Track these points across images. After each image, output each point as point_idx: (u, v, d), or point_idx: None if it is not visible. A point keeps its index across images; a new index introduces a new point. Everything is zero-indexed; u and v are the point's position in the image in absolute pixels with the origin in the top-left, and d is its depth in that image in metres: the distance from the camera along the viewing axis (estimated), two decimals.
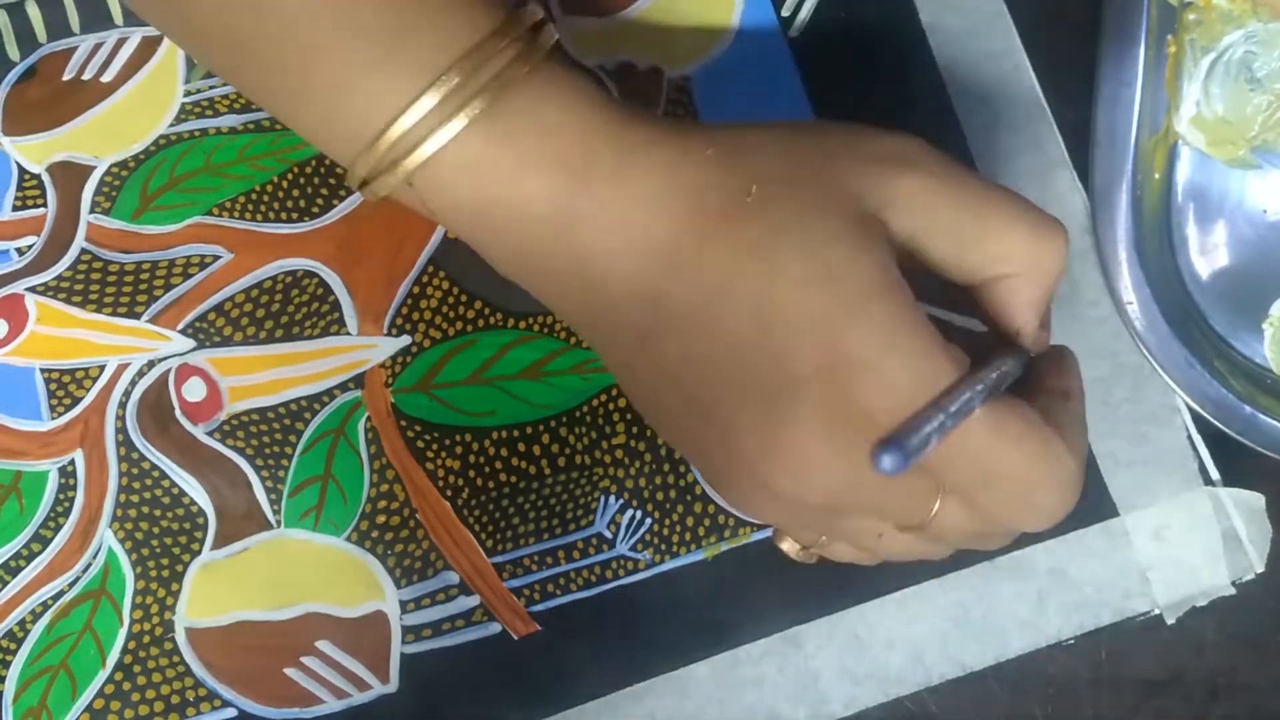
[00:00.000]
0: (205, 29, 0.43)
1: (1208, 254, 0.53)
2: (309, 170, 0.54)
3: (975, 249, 0.40)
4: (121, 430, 0.53)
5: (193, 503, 0.52)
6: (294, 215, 0.54)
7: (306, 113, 0.43)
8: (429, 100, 0.40)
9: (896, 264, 0.38)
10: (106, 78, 0.55)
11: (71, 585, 0.52)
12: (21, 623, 0.52)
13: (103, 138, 0.55)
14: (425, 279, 0.53)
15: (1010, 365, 0.40)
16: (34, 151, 0.54)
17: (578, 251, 0.41)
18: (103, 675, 0.52)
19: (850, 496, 0.38)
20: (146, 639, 0.52)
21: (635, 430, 0.53)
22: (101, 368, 0.53)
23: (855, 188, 0.39)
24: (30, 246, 0.54)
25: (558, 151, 0.41)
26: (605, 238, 0.40)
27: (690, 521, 0.52)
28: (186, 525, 0.52)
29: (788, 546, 0.45)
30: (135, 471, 0.53)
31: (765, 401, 0.38)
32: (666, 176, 0.40)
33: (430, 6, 0.41)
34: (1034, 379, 0.42)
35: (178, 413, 0.53)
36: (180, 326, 0.53)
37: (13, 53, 0.55)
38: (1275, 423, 0.51)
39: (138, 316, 0.53)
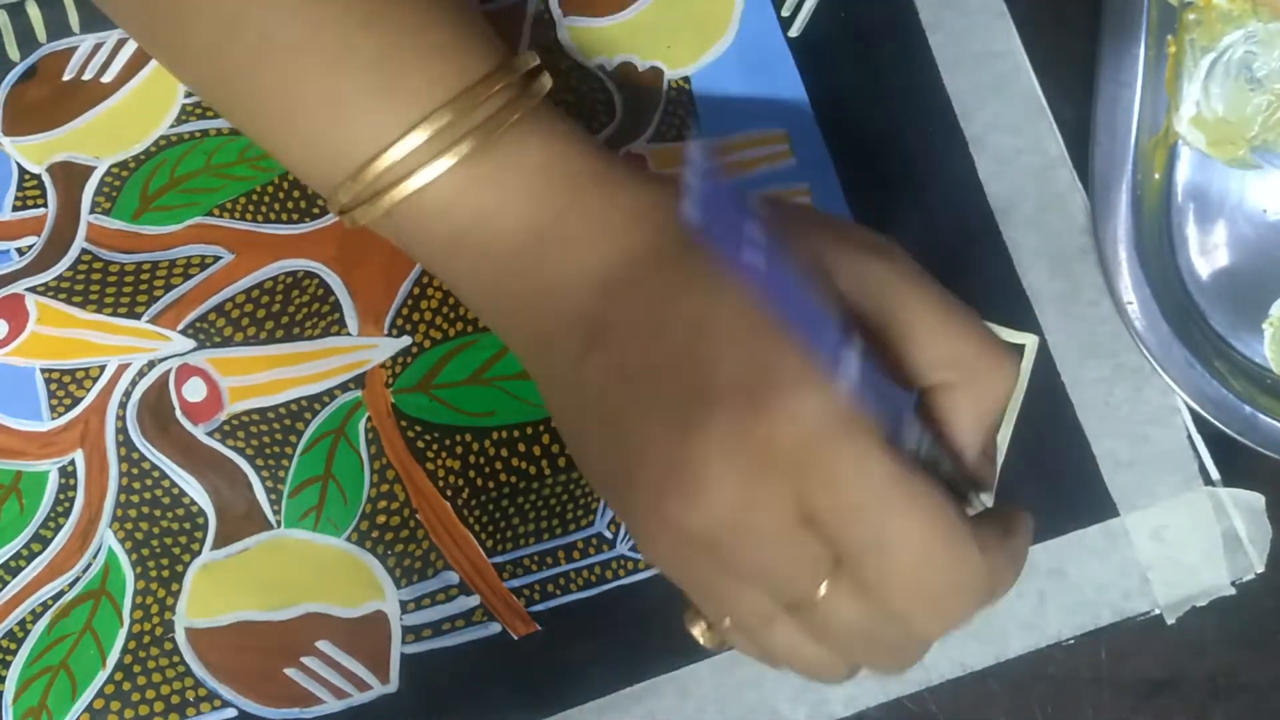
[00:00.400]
0: (190, 51, 0.43)
1: (1208, 254, 0.53)
2: None
3: (923, 348, 0.39)
4: (122, 430, 0.53)
5: (193, 503, 0.52)
6: (294, 216, 0.54)
7: (290, 141, 0.43)
8: (419, 136, 0.40)
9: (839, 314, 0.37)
10: (107, 78, 0.55)
11: (71, 585, 0.52)
12: (21, 623, 0.52)
13: (103, 138, 0.55)
14: (425, 279, 0.53)
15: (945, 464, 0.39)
16: (34, 152, 0.54)
17: (541, 285, 0.41)
18: (103, 675, 0.52)
19: (738, 537, 0.36)
20: (146, 639, 0.52)
21: None
22: (102, 368, 0.53)
23: (823, 254, 0.39)
24: (31, 247, 0.54)
25: (539, 193, 0.41)
26: (567, 274, 0.40)
27: None
28: (186, 525, 0.52)
29: (697, 631, 0.43)
30: (135, 472, 0.53)
31: (679, 413, 0.36)
32: (637, 216, 0.40)
33: (427, 42, 0.41)
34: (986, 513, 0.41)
35: (178, 413, 0.53)
36: (181, 327, 0.53)
37: (13, 53, 0.55)
38: (1275, 423, 0.51)
39: (138, 317, 0.53)
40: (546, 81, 0.43)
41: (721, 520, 0.36)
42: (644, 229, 0.40)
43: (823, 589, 0.37)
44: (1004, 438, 0.52)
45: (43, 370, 0.53)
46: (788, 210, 0.43)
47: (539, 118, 0.42)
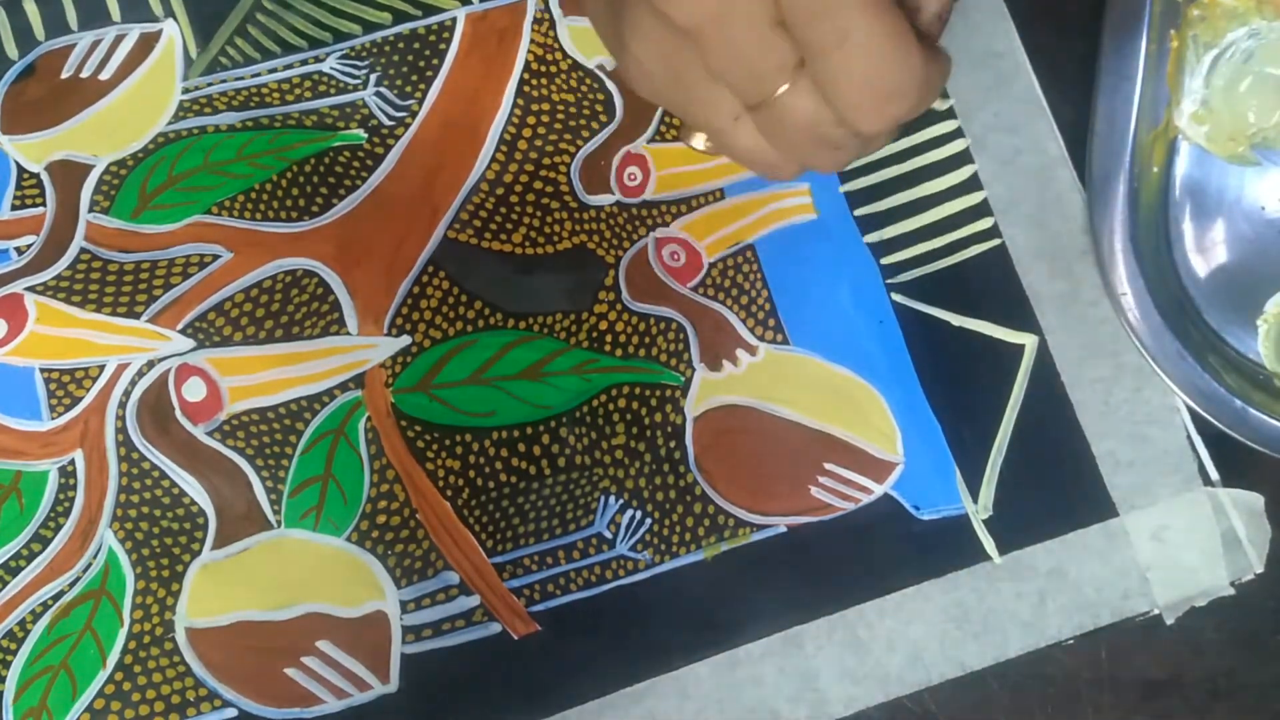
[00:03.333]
0: None
1: (1204, 249, 0.53)
2: (308, 169, 0.54)
3: None
4: (121, 430, 0.53)
5: (193, 503, 0.52)
6: (294, 214, 0.54)
7: None
8: None
9: None
10: (105, 75, 0.55)
11: (72, 585, 0.52)
12: (22, 623, 0.52)
13: (101, 136, 0.55)
14: (425, 279, 0.53)
15: None
16: (32, 150, 0.54)
17: None
18: (103, 675, 0.52)
19: (720, 28, 0.39)
20: (147, 639, 0.52)
21: (635, 430, 0.53)
22: (101, 368, 0.53)
23: None
24: (29, 246, 0.54)
25: None
26: None
27: (690, 522, 0.52)
28: (187, 525, 0.52)
29: (697, 141, 0.46)
30: (135, 472, 0.52)
31: None
32: None
33: None
34: None
35: (178, 413, 0.53)
36: (180, 326, 0.53)
37: (11, 51, 0.55)
38: (1265, 418, 0.51)
39: (137, 316, 0.53)
40: None
41: (705, 11, 0.39)
42: None
43: (784, 87, 0.40)
44: (1004, 437, 0.52)
45: (42, 370, 0.53)
46: None
47: None
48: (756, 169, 0.44)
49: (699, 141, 0.46)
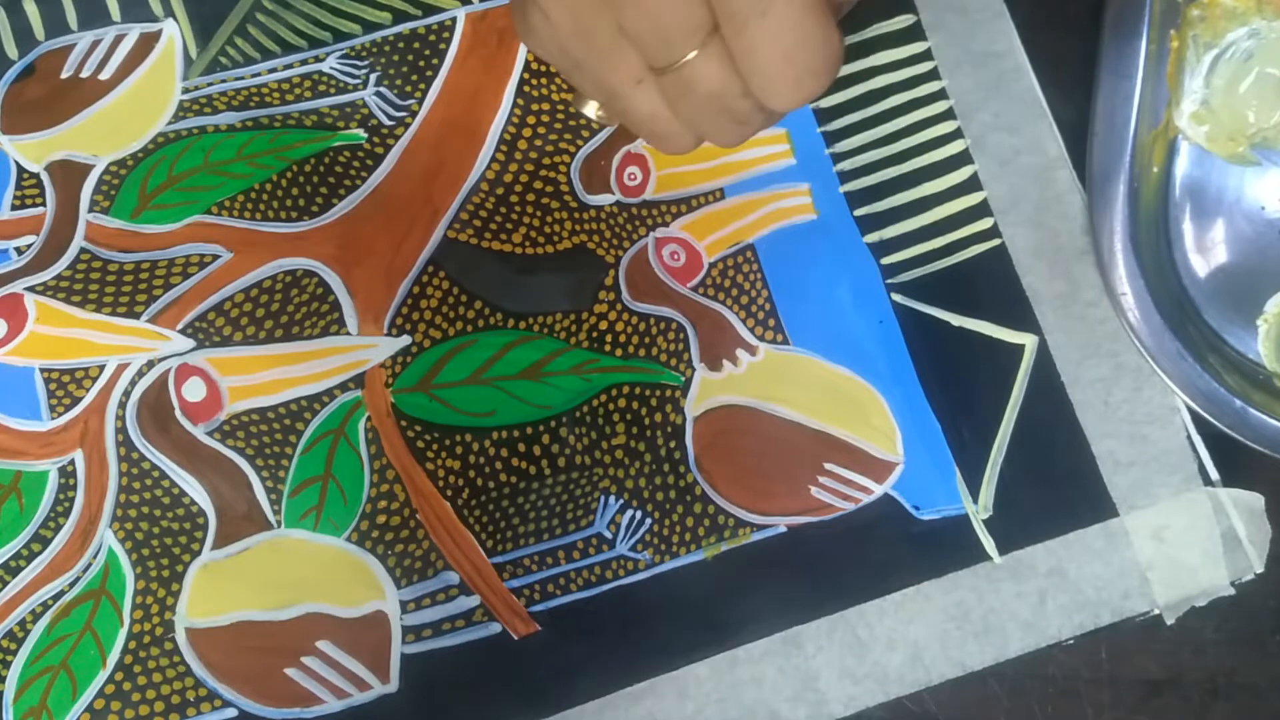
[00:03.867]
0: None
1: (1204, 249, 0.53)
2: (308, 168, 0.54)
3: None
4: (121, 430, 0.53)
5: (193, 503, 0.52)
6: (293, 214, 0.54)
7: None
8: None
9: None
10: (105, 75, 0.55)
11: (72, 585, 0.52)
12: (22, 623, 0.52)
13: (101, 136, 0.55)
14: (425, 279, 0.53)
15: None
16: (32, 150, 0.54)
17: None
18: (103, 675, 0.52)
19: None
20: (147, 639, 0.52)
21: (635, 431, 0.53)
22: (101, 367, 0.53)
23: None
24: (29, 246, 0.54)
25: None
26: None
27: (690, 522, 0.52)
28: (187, 525, 0.52)
29: (590, 109, 0.45)
30: (135, 472, 0.52)
31: None
32: None
33: None
34: None
35: (178, 413, 0.53)
36: (180, 326, 0.53)
37: (11, 51, 0.55)
38: (1265, 417, 0.51)
39: (137, 316, 0.53)
40: None
41: None
42: None
43: (694, 53, 0.39)
44: (1003, 437, 0.52)
45: (42, 370, 0.53)
46: None
47: None
48: (651, 139, 0.43)
49: (591, 110, 0.45)
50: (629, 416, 0.53)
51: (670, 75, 0.40)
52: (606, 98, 0.43)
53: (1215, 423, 0.51)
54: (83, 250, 0.54)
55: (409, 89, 0.55)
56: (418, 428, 0.53)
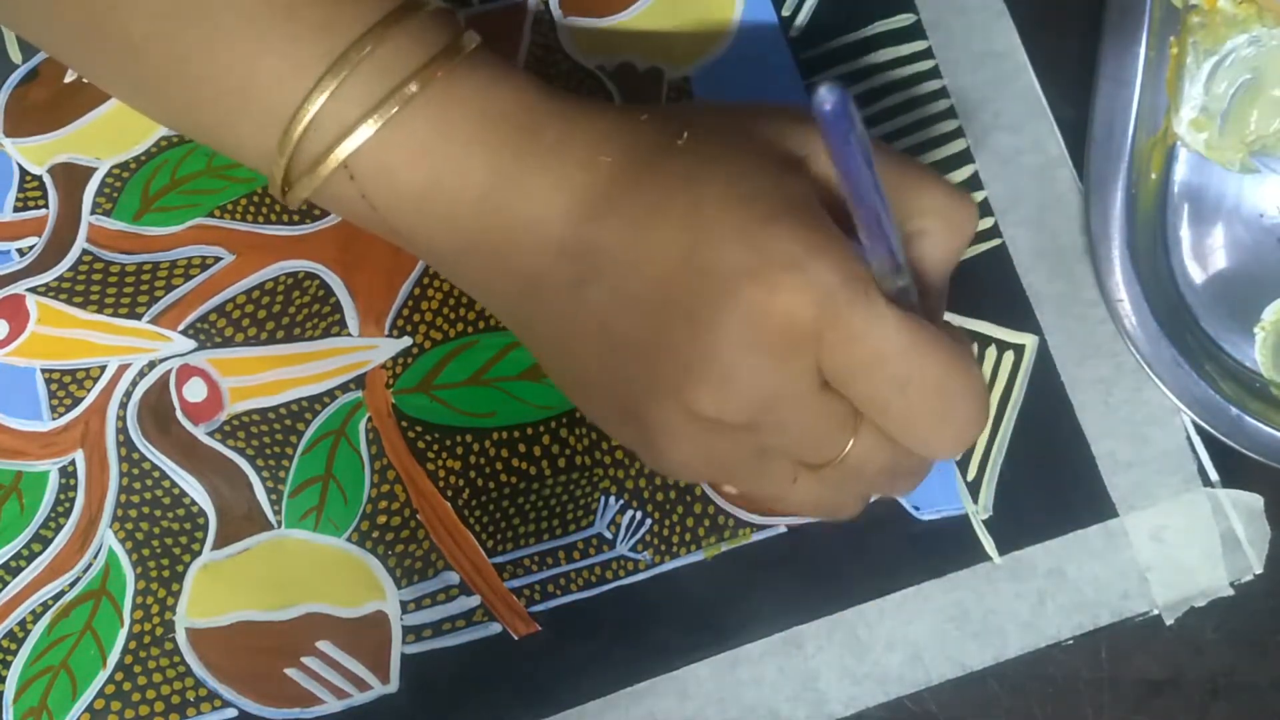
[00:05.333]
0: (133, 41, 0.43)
1: (1202, 256, 0.53)
2: None
3: (899, 202, 0.40)
4: (122, 430, 0.53)
5: (193, 503, 0.52)
6: (295, 217, 0.54)
7: (214, 105, 0.43)
8: (333, 80, 0.40)
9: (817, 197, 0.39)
10: None
11: (72, 585, 0.52)
12: (22, 623, 0.52)
13: (104, 139, 0.55)
14: (426, 280, 0.53)
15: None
16: (35, 153, 0.55)
17: (515, 222, 0.41)
18: (103, 675, 0.52)
19: (772, 414, 0.38)
20: (147, 639, 0.52)
21: None
22: (102, 368, 0.53)
23: (780, 138, 0.40)
24: (31, 247, 0.54)
25: (502, 130, 0.41)
26: (543, 204, 0.41)
27: (690, 522, 0.52)
28: (187, 526, 0.52)
29: (728, 487, 0.47)
30: (136, 472, 0.53)
31: (689, 318, 0.38)
32: (604, 139, 0.41)
33: None
34: None
35: (178, 413, 0.53)
36: (181, 327, 0.53)
37: (15, 55, 0.55)
38: (1262, 425, 0.51)
39: (139, 317, 0.53)
40: (473, 38, 0.43)
41: (757, 402, 0.38)
42: (611, 148, 0.41)
43: (850, 444, 0.40)
44: (1004, 437, 0.52)
45: (43, 370, 0.53)
46: (735, 105, 0.44)
47: (476, 63, 0.43)
48: (817, 515, 0.44)
49: (731, 488, 0.46)
50: None
51: (832, 468, 0.41)
52: (761, 501, 0.43)
53: (1212, 430, 0.51)
54: (85, 252, 0.54)
55: None
56: (418, 428, 0.53)
